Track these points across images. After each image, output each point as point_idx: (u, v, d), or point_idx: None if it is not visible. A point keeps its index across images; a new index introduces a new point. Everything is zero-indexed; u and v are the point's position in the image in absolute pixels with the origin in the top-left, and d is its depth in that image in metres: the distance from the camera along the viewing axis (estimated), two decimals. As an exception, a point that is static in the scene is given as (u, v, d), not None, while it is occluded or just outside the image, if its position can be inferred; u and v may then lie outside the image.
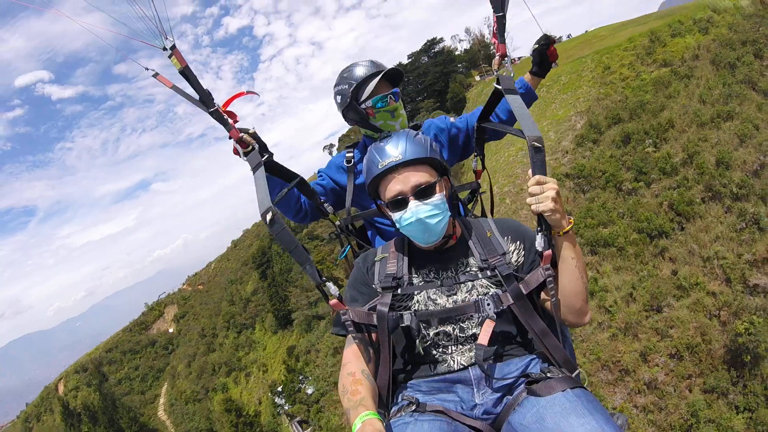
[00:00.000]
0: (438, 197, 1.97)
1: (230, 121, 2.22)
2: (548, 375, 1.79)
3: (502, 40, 2.25)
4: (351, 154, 2.98)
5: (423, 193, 1.94)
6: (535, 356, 1.96)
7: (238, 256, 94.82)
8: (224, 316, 77.62)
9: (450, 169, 2.20)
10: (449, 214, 2.03)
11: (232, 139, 2.21)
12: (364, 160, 2.10)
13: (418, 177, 1.96)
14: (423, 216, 1.93)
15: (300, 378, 43.16)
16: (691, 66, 33.05)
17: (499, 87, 2.24)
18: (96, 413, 74.13)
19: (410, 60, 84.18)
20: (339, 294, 1.96)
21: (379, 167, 1.96)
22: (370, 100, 2.73)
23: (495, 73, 2.28)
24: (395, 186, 1.96)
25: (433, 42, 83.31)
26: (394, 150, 1.96)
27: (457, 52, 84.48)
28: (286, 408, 43.50)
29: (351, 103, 2.74)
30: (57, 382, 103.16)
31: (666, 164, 27.03)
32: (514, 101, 2.12)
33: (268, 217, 1.88)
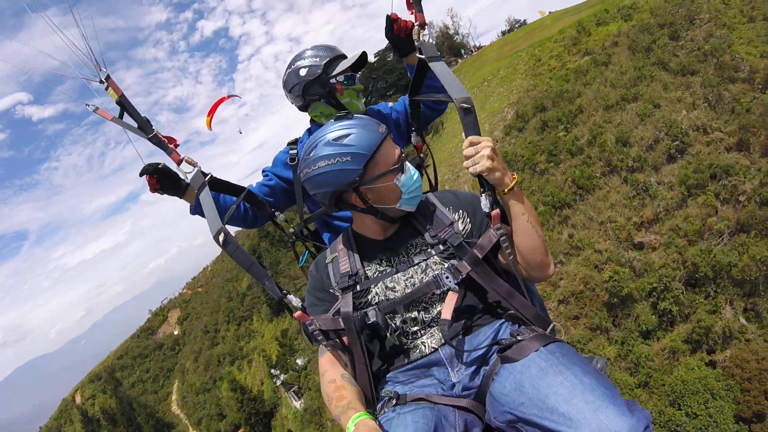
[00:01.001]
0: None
1: (170, 145, 2.28)
2: (519, 338, 1.73)
3: (420, 9, 2.28)
4: (294, 150, 2.90)
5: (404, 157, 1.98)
6: (504, 320, 1.93)
7: None
8: (224, 311, 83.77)
9: None
10: None
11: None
12: (346, 138, 1.84)
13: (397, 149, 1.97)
14: (416, 178, 1.96)
15: (291, 351, 50.67)
16: (609, 53, 37.51)
17: (422, 56, 2.19)
18: (115, 416, 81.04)
19: (377, 58, 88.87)
20: (302, 305, 1.93)
21: (381, 132, 1.86)
22: (342, 75, 2.73)
23: (416, 43, 2.25)
24: (395, 149, 1.92)
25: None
26: (375, 120, 1.91)
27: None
28: (282, 378, 50.95)
29: (321, 75, 2.70)
30: (74, 393, 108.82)
31: (573, 146, 32.55)
32: (437, 66, 2.10)
33: (221, 238, 1.89)
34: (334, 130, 1.88)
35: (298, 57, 2.80)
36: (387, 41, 2.60)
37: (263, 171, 3.05)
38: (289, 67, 2.83)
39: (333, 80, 2.75)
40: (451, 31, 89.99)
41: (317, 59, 2.74)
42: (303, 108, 2.91)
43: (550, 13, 65.83)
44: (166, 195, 2.40)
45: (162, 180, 2.30)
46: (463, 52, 79.46)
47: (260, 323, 71.56)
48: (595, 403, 1.40)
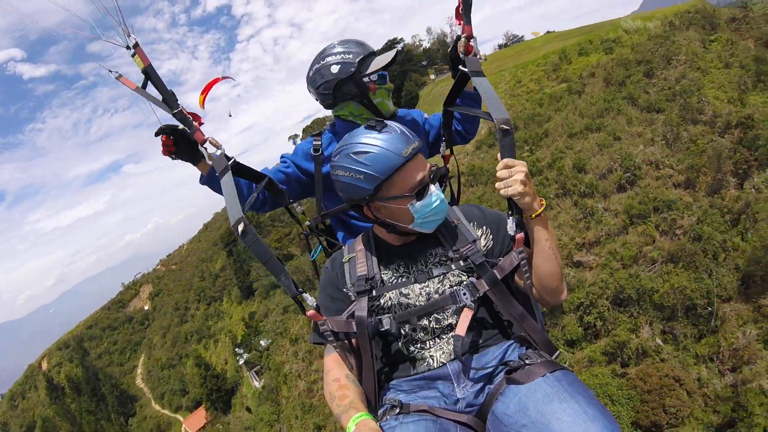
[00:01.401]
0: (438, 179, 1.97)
1: (195, 123, 2.19)
2: (527, 361, 1.75)
3: (468, 21, 2.20)
4: (318, 142, 2.80)
5: (435, 176, 1.93)
6: (512, 342, 1.94)
7: (208, 237, 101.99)
8: (195, 290, 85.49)
9: None
10: None
11: (161, 138, 2.23)
12: (364, 155, 1.84)
13: (426, 162, 1.94)
14: (442, 197, 1.92)
15: (256, 333, 53.14)
16: (585, 83, 39.38)
17: (465, 69, 2.17)
18: (80, 385, 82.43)
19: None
20: (317, 304, 1.92)
21: (404, 155, 1.81)
22: (376, 74, 2.65)
23: (462, 56, 2.20)
24: (418, 173, 1.87)
25: (393, 42, 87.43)
26: (407, 137, 1.86)
27: (417, 52, 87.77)
28: (245, 357, 53.41)
29: (354, 74, 2.59)
30: (40, 359, 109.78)
31: (533, 167, 34.59)
32: (481, 84, 2.08)
33: (240, 228, 1.82)
34: (358, 142, 1.87)
35: (327, 52, 2.66)
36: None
37: (282, 156, 2.94)
38: (316, 62, 2.68)
39: (366, 79, 2.66)
40: (449, 40, 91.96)
41: (350, 56, 2.62)
42: (330, 106, 2.81)
43: (543, 34, 67.98)
44: (178, 160, 2.34)
45: (179, 143, 2.26)
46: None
47: (230, 305, 73.33)
48: None
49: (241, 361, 55.29)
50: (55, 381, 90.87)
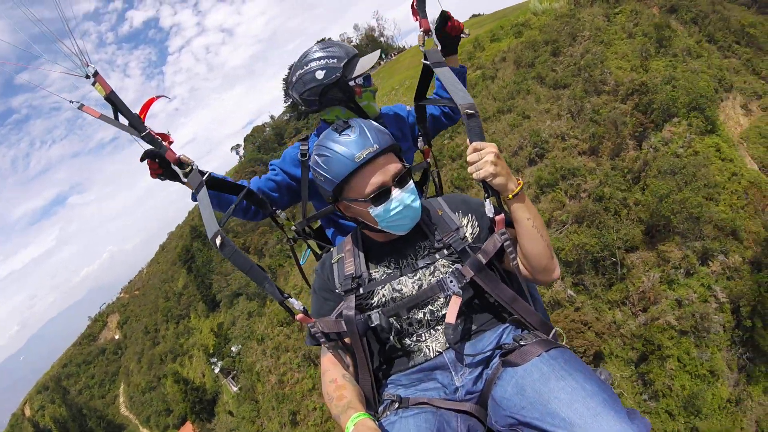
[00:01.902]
0: (411, 182, 1.97)
1: (164, 143, 2.20)
2: (521, 342, 1.75)
3: (424, 15, 2.25)
4: (305, 147, 2.83)
5: (402, 180, 1.92)
6: (507, 325, 1.95)
7: (166, 258, 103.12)
8: (162, 311, 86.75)
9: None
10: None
11: (147, 162, 2.22)
12: (323, 158, 1.92)
13: (395, 165, 1.92)
14: (408, 201, 1.91)
15: (226, 340, 56.21)
16: (497, 68, 41.52)
17: (427, 62, 2.20)
18: (66, 424, 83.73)
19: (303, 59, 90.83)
20: (304, 308, 1.95)
21: (357, 160, 1.84)
22: (361, 78, 2.69)
23: (421, 49, 2.24)
24: (377, 178, 1.88)
25: (324, 40, 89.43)
26: (366, 140, 1.87)
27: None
28: (219, 365, 56.41)
29: (341, 78, 2.63)
30: (22, 406, 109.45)
31: (453, 152, 37.59)
32: (443, 73, 2.10)
33: (218, 241, 1.85)
34: (322, 144, 1.94)
35: (310, 57, 2.67)
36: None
37: (270, 164, 2.98)
38: (299, 68, 2.70)
39: (352, 83, 2.68)
40: (376, 33, 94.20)
41: (334, 60, 2.62)
42: (315, 111, 2.82)
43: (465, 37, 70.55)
44: (167, 180, 2.31)
45: (164, 165, 2.24)
46: (383, 55, 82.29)
47: (197, 320, 75.39)
48: (595, 408, 1.41)
49: (217, 370, 58.12)
50: (41, 425, 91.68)
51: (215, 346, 58.27)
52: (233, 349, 53.58)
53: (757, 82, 39.08)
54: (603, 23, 39.20)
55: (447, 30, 2.60)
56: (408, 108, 3.16)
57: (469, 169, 1.88)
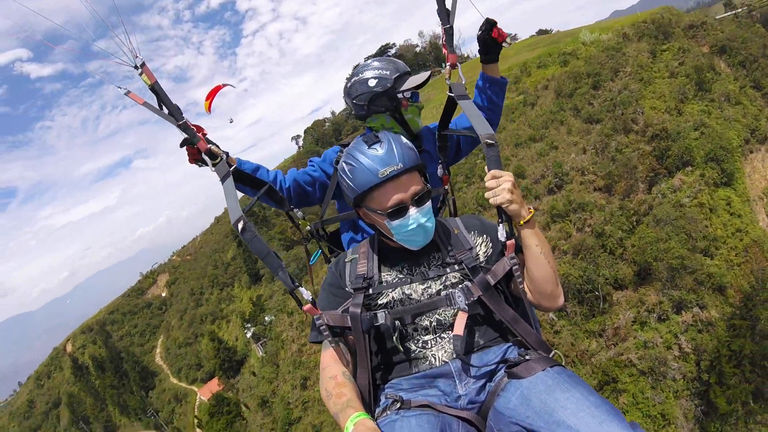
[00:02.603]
0: (429, 202, 2.03)
1: (198, 134, 2.42)
2: (527, 357, 1.84)
3: (452, 50, 2.47)
4: (342, 154, 2.68)
5: (420, 200, 1.99)
6: (511, 344, 2.02)
7: (220, 230, 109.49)
8: (209, 277, 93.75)
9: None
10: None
11: (186, 148, 2.48)
12: (349, 166, 2.02)
13: (416, 185, 2.00)
14: (423, 221, 1.98)
15: (261, 310, 63.17)
16: (538, 95, 41.82)
17: (452, 94, 2.41)
18: (103, 363, 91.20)
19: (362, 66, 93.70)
20: (312, 299, 2.00)
21: (380, 176, 1.92)
22: (409, 92, 2.84)
23: (447, 82, 2.44)
24: (396, 194, 1.96)
25: (386, 47, 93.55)
26: (392, 157, 1.94)
27: (410, 56, 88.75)
28: (252, 330, 63.48)
29: (389, 89, 2.81)
30: (65, 342, 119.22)
31: (483, 171, 39.90)
32: (466, 105, 2.29)
33: (240, 225, 1.96)
34: (351, 152, 2.04)
35: (365, 67, 2.90)
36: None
37: (310, 161, 3.14)
38: (355, 75, 2.92)
39: (400, 95, 2.85)
40: (440, 42, 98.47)
41: (387, 72, 2.82)
42: (362, 117, 3.00)
43: (517, 41, 70.33)
44: (204, 166, 2.48)
45: (202, 152, 2.40)
46: (442, 65, 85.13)
47: (240, 289, 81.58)
48: (600, 417, 1.48)
49: (249, 335, 64.87)
50: (80, 361, 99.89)
51: (251, 313, 65.14)
52: (267, 318, 59.92)
53: None
54: (647, 60, 39.09)
55: (492, 36, 2.69)
56: None
57: (487, 194, 2.00)
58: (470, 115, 2.22)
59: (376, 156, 1.97)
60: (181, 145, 2.48)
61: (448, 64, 2.51)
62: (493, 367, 1.94)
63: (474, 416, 1.87)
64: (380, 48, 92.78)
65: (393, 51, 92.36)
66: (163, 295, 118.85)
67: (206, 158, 2.39)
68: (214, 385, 68.83)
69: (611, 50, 40.64)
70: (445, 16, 2.48)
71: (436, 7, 2.50)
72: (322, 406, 38.79)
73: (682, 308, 27.32)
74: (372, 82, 2.86)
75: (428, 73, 2.85)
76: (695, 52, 38.49)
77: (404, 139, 2.08)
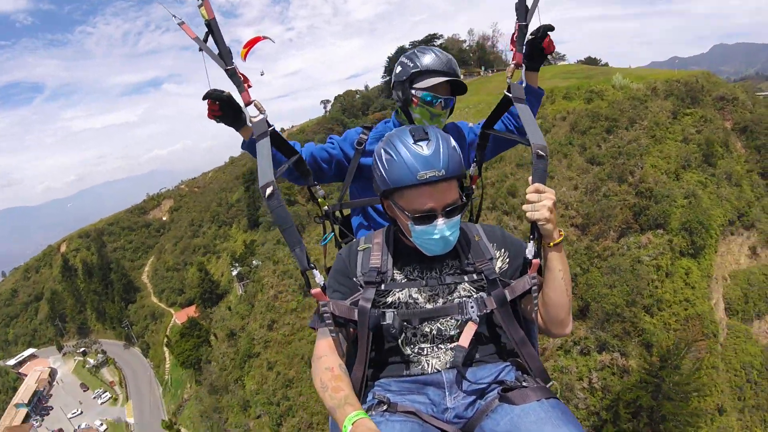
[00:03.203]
0: (459, 216, 1.94)
1: (244, 84, 2.31)
2: (523, 383, 1.81)
3: (520, 50, 2.34)
4: (365, 137, 2.94)
5: (452, 212, 1.89)
6: (508, 364, 1.98)
7: (232, 171, 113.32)
8: (211, 212, 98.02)
9: None
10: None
11: (207, 102, 2.37)
12: (387, 156, 1.86)
13: (452, 195, 1.88)
14: (447, 234, 1.89)
15: (251, 253, 67.83)
16: (554, 124, 44.03)
17: (509, 95, 2.28)
18: (92, 269, 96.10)
19: (409, 47, 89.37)
20: (324, 284, 1.96)
21: (418, 178, 1.79)
22: (422, 92, 2.71)
23: (508, 80, 2.32)
24: (428, 201, 1.84)
25: (433, 37, 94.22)
26: (437, 160, 1.80)
27: (454, 51, 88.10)
28: (238, 269, 68.25)
29: (405, 81, 2.73)
30: (61, 242, 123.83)
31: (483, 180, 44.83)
32: (522, 110, 2.19)
33: (268, 191, 1.89)
34: (392, 141, 1.89)
35: (410, 53, 2.78)
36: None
37: (330, 137, 3.07)
38: (405, 56, 2.80)
39: (413, 91, 2.73)
40: (489, 44, 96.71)
41: (412, 64, 2.71)
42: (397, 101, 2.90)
43: (558, 64, 73.23)
44: (222, 124, 2.44)
45: (224, 109, 2.38)
46: (483, 68, 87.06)
47: (237, 230, 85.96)
48: None
49: (234, 272, 69.47)
50: (70, 263, 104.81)
51: (241, 254, 69.62)
52: (254, 262, 63.99)
53: None
54: (666, 119, 40.64)
55: (543, 44, 2.51)
56: (470, 125, 3.15)
57: (525, 207, 1.94)
58: (526, 121, 2.14)
59: (420, 155, 1.81)
60: (204, 98, 2.37)
61: (513, 62, 2.37)
62: (485, 385, 1.90)
63: (458, 431, 1.84)
64: (426, 36, 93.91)
65: (439, 42, 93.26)
66: (164, 219, 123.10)
67: (246, 110, 2.34)
68: (190, 312, 73.08)
69: (636, 100, 42.50)
70: (524, 12, 2.33)
71: (516, 0, 2.34)
72: (282, 348, 43.65)
73: (605, 349, 29.67)
74: (398, 69, 2.80)
75: (444, 77, 2.69)
76: (717, 124, 40.51)
77: (453, 142, 1.91)
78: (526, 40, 2.44)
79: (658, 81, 45.85)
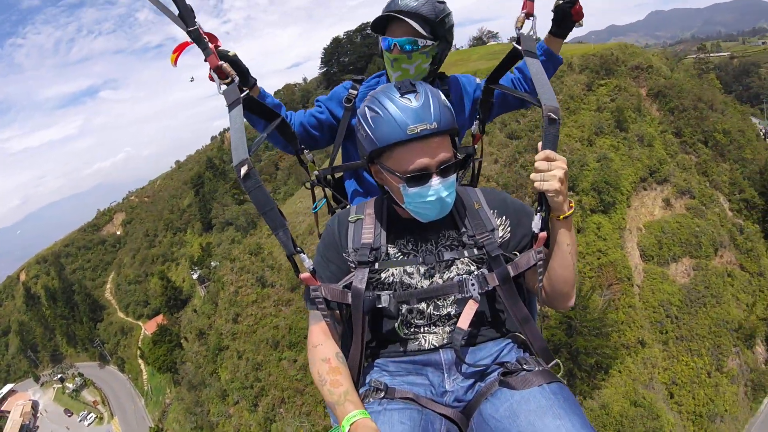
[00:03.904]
0: (455, 175, 1.84)
1: (210, 45, 2.07)
2: (525, 366, 1.74)
3: None
4: (355, 92, 2.76)
5: (447, 170, 1.78)
6: (509, 341, 1.93)
7: (180, 176, 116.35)
8: (165, 221, 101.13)
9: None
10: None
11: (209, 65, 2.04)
12: (372, 113, 1.77)
13: (446, 151, 1.78)
14: (444, 195, 1.79)
15: (209, 255, 71.76)
16: None
17: (519, 47, 2.08)
18: (55, 294, 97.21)
19: (345, 37, 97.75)
20: (313, 268, 1.86)
21: (408, 132, 1.68)
22: (382, 40, 2.51)
23: (517, 31, 2.12)
24: (421, 159, 1.74)
25: (366, 25, 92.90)
26: (427, 113, 1.70)
27: None
28: (198, 272, 72.10)
29: (378, 20, 2.48)
30: (19, 271, 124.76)
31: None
32: (533, 65, 1.97)
33: (243, 170, 1.71)
34: (378, 97, 1.80)
35: None
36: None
37: (316, 100, 2.90)
38: None
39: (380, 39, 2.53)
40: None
41: (385, 10, 2.44)
42: None
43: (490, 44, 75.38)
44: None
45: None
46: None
47: (192, 235, 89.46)
48: None
49: (195, 276, 73.31)
50: (32, 291, 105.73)
51: (199, 257, 73.52)
52: (212, 263, 67.78)
53: (700, 183, 43.92)
54: (581, 92, 43.54)
55: (572, 11, 2.40)
56: (478, 81, 2.89)
57: (533, 176, 1.79)
58: (537, 79, 1.92)
59: (409, 108, 1.71)
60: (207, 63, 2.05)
61: (523, 11, 2.16)
62: (485, 366, 1.84)
63: (458, 414, 1.80)
64: (361, 24, 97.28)
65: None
66: (118, 233, 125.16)
67: (214, 76, 2.04)
68: (158, 321, 76.17)
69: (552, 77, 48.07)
70: None
71: None
72: (248, 337, 47.95)
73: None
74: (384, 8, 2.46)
75: (388, 14, 2.41)
76: (631, 92, 43.89)
77: (443, 96, 1.80)
78: (558, 5, 2.41)
79: (574, 56, 49.00)
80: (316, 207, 2.88)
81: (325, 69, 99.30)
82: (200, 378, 54.02)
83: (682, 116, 44.92)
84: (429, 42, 2.45)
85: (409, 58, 2.49)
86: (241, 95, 1.97)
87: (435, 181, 1.77)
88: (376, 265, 1.89)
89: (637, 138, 43.10)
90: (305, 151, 2.74)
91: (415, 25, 2.37)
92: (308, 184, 2.88)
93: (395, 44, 2.46)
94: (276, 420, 42.37)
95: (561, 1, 2.40)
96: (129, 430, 70.11)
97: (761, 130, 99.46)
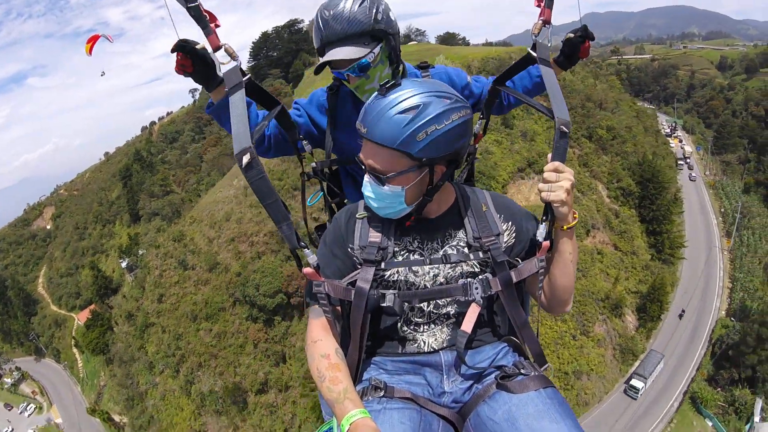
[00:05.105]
0: (387, 189, 1.83)
1: (211, 24, 2.01)
2: (522, 371, 1.84)
3: (549, 5, 2.24)
4: (333, 103, 2.76)
5: (376, 177, 1.83)
6: (505, 344, 2.02)
7: (108, 169, 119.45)
8: (94, 213, 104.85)
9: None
10: (406, 208, 1.90)
11: (176, 53, 2.02)
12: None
13: (377, 160, 1.80)
14: (367, 193, 1.88)
15: (136, 244, 78.18)
16: None
17: (534, 54, 2.18)
18: None
19: (273, 33, 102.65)
20: (317, 263, 1.88)
21: (357, 125, 1.81)
22: (334, 75, 2.53)
23: (533, 38, 2.20)
24: (361, 153, 1.86)
25: (294, 22, 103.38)
26: (366, 116, 1.77)
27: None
28: (126, 261, 78.33)
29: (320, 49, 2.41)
30: None
31: None
32: (547, 74, 2.08)
33: (245, 159, 1.67)
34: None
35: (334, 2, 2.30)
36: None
37: (295, 103, 2.86)
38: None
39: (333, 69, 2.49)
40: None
41: (319, 30, 2.35)
42: None
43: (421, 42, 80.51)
44: (191, 80, 2.13)
45: (196, 64, 2.07)
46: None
47: (120, 227, 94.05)
48: None
49: (124, 265, 79.27)
50: None
51: (128, 247, 79.50)
52: (140, 251, 73.59)
53: (580, 173, 49.55)
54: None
55: (582, 47, 2.50)
56: (469, 78, 2.93)
57: (541, 186, 1.89)
58: (551, 89, 2.02)
59: (365, 105, 1.81)
60: (173, 51, 2.02)
61: (541, 18, 2.21)
62: (483, 368, 1.92)
63: (454, 415, 1.87)
64: (289, 21, 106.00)
65: (300, 26, 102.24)
66: (48, 227, 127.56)
67: (215, 58, 2.02)
68: (91, 309, 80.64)
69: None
70: None
71: None
72: (171, 314, 55.37)
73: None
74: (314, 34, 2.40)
75: (323, 60, 2.36)
76: None
77: (405, 109, 1.71)
78: (570, 38, 2.45)
79: (474, 59, 54.90)
80: (311, 201, 2.99)
81: (254, 63, 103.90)
82: (130, 354, 60.82)
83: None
84: (376, 50, 2.36)
85: (367, 77, 2.45)
86: (244, 78, 1.99)
87: (366, 177, 1.88)
88: (383, 265, 1.93)
89: (521, 133, 49.97)
90: (304, 143, 2.73)
91: (352, 51, 2.31)
92: (303, 176, 2.87)
93: (348, 75, 2.42)
94: (195, 382, 50.47)
95: (573, 35, 2.46)
96: (67, 415, 74.81)
97: (669, 126, 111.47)
